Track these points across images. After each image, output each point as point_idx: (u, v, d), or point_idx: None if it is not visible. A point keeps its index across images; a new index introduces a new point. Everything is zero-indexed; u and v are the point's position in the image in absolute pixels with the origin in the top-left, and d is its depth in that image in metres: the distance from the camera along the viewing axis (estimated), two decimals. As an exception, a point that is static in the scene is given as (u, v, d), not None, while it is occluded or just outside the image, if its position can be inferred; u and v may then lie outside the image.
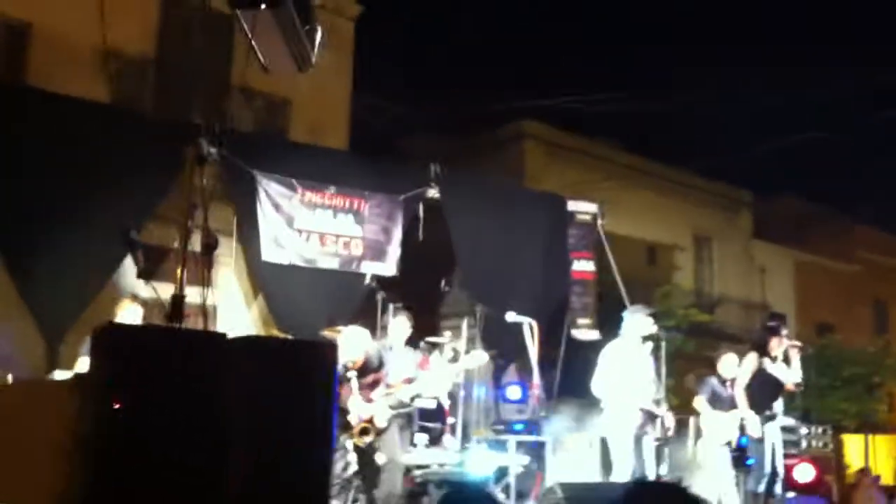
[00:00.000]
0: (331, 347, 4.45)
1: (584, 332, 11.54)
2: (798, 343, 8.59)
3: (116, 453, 3.52)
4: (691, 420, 12.42)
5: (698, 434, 8.55)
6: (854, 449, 13.18)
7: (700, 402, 8.58)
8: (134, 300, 8.21)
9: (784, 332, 8.55)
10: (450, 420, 8.75)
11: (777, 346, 8.34)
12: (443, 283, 11.83)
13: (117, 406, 3.53)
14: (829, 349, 19.65)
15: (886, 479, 12.55)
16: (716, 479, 8.50)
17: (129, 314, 7.89)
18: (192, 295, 4.81)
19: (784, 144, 16.90)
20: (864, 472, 10.51)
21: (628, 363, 7.62)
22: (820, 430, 10.12)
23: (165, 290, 6.49)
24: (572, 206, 11.97)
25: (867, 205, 30.28)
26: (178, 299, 4.34)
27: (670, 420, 7.79)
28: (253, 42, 5.49)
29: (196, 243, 4.92)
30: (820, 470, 10.66)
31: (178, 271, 4.53)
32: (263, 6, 5.10)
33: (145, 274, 5.90)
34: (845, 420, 15.09)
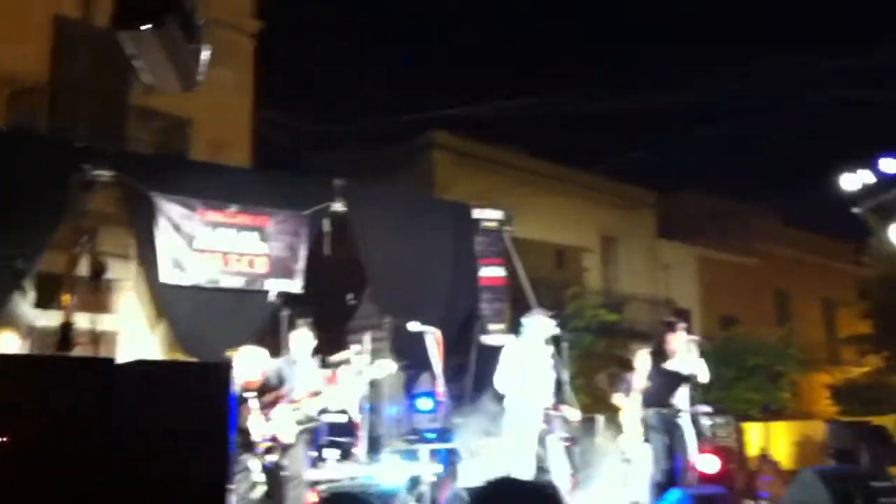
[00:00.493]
0: (224, 368, 4.46)
1: (497, 337, 11.67)
2: (696, 338, 8.84)
3: (7, 487, 3.48)
4: (599, 418, 12.74)
5: (620, 430, 8.72)
6: (757, 437, 13.64)
7: (619, 398, 8.74)
8: (11, 329, 7.97)
9: (681, 327, 8.79)
10: (360, 433, 8.76)
11: (675, 341, 8.57)
12: (350, 296, 11.85)
13: (4, 439, 3.49)
14: (733, 341, 20.26)
15: (786, 464, 13.02)
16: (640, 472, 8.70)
17: (4, 344, 7.63)
18: (84, 321, 4.77)
19: (683, 143, 17.37)
20: (765, 458, 10.88)
21: (529, 365, 7.75)
22: (723, 419, 10.43)
23: (56, 317, 6.38)
24: (478, 213, 12.10)
25: (764, 198, 31.42)
26: (66, 327, 4.32)
27: (574, 415, 7.91)
28: (138, 62, 5.46)
29: (84, 269, 4.89)
30: (724, 460, 11.02)
31: (65, 299, 4.50)
32: (146, 26, 5.08)
33: (42, 302, 5.81)
34: (751, 409, 15.57)
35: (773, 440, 11.42)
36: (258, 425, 6.90)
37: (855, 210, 11.11)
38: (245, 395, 6.83)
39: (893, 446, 9.89)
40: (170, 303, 9.50)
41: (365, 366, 8.17)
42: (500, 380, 7.76)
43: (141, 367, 4.09)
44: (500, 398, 8.84)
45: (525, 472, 7.43)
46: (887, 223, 10.33)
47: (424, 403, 10.06)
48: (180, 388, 3.99)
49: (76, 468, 3.58)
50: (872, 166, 10.76)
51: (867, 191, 10.81)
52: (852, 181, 10.70)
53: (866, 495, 7.54)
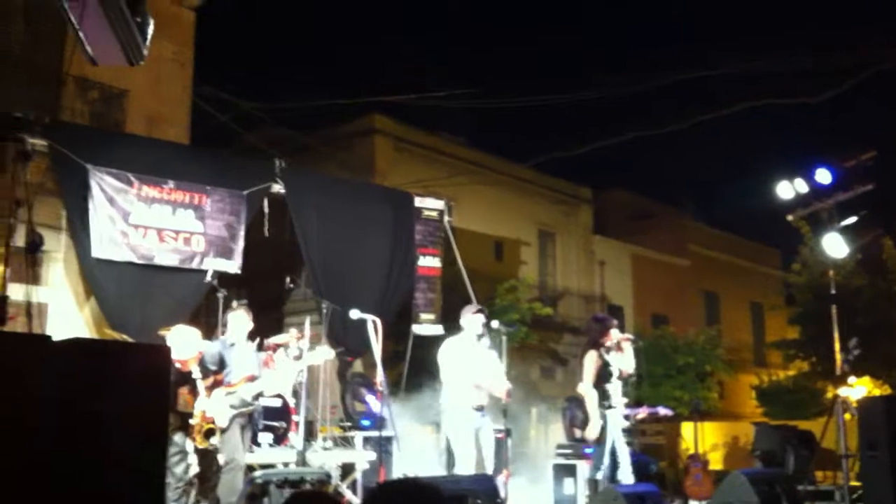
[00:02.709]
0: (163, 350, 4.33)
1: (427, 327, 11.67)
2: (630, 336, 8.91)
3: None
4: (533, 411, 12.82)
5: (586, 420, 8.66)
6: (687, 436, 13.86)
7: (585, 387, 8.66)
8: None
9: (614, 324, 8.87)
10: (295, 418, 8.66)
11: (608, 338, 8.64)
12: (288, 280, 11.70)
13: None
14: (663, 339, 20.57)
15: (715, 464, 13.27)
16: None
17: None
18: (16, 292, 4.59)
19: (617, 141, 17.49)
20: (694, 457, 11.05)
21: (464, 362, 7.74)
22: (644, 413, 10.57)
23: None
24: (419, 202, 12.07)
25: (691, 200, 31.98)
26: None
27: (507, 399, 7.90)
28: (80, 34, 5.24)
29: (21, 240, 4.70)
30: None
31: (0, 270, 4.32)
32: (89, -4, 4.87)
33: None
34: (679, 408, 15.83)
35: (701, 440, 11.60)
36: (202, 407, 6.76)
37: (789, 218, 11.31)
38: (193, 376, 6.69)
39: (818, 450, 10.12)
40: (100, 278, 9.25)
41: (304, 350, 8.05)
42: (446, 374, 7.74)
43: (78, 346, 3.94)
44: (433, 388, 8.80)
45: (464, 464, 7.40)
46: (821, 233, 10.54)
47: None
48: (119, 369, 3.86)
49: (6, 449, 3.43)
50: (807, 176, 10.95)
51: (801, 200, 10.99)
52: (787, 189, 10.88)
53: (792, 498, 7.71)
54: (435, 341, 10.54)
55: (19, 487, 3.42)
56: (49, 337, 3.80)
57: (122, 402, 3.78)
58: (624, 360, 8.62)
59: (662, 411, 10.70)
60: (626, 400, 8.70)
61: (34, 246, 4.68)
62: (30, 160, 4.77)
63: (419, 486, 5.45)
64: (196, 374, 6.80)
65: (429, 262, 11.92)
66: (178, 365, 6.56)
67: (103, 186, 9.19)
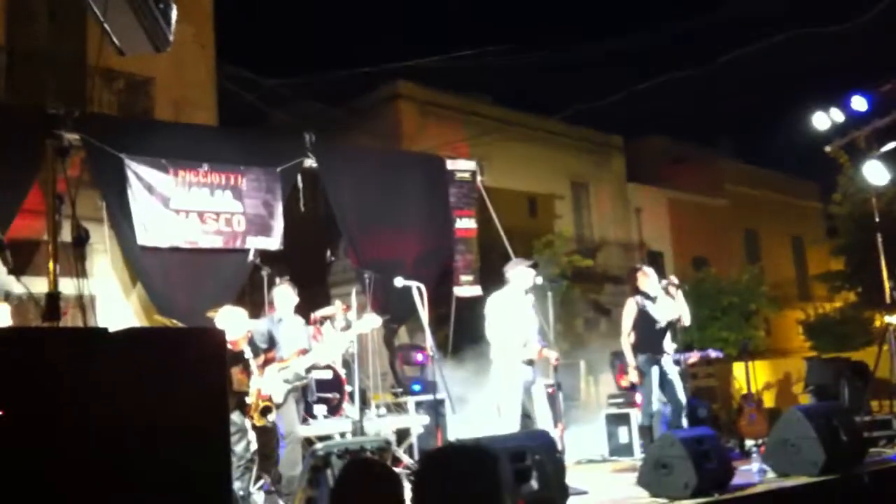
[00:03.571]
0: (218, 332, 4.39)
1: (467, 288, 11.70)
2: (675, 280, 8.86)
3: (4, 461, 3.40)
4: (581, 364, 12.84)
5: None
6: (738, 376, 13.83)
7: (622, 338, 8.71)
8: (6, 300, 7.88)
9: (646, 268, 8.85)
10: (347, 388, 8.76)
11: (647, 284, 8.62)
12: (329, 252, 11.77)
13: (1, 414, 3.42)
14: (705, 282, 20.44)
15: (768, 403, 13.23)
16: None
17: (-4, 314, 7.57)
18: (67, 287, 4.66)
19: (647, 86, 17.28)
20: (746, 397, 11.03)
21: (513, 315, 7.73)
22: (696, 358, 10.55)
23: (37, 285, 6.27)
24: (451, 164, 12.05)
25: (728, 139, 31.55)
26: (53, 297, 4.21)
27: (554, 357, 7.91)
28: (106, 26, 5.27)
29: (66, 235, 4.76)
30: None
31: (50, 267, 4.39)
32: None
33: (16, 271, 5.67)
34: (726, 348, 15.76)
35: (752, 379, 11.57)
36: (257, 385, 6.87)
37: (827, 149, 11.14)
38: (245, 355, 6.79)
39: (872, 381, 10.05)
40: (145, 266, 9.39)
41: (351, 321, 8.12)
42: (491, 331, 7.73)
43: (135, 335, 4.00)
44: (479, 349, 8.83)
45: (512, 421, 7.43)
46: (860, 161, 10.37)
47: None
48: (177, 355, 3.92)
49: (75, 444, 3.51)
50: (843, 104, 10.76)
51: (838, 129, 10.82)
52: (823, 120, 10.70)
53: (850, 430, 7.67)
54: (476, 302, 10.59)
55: (93, 478, 3.50)
56: (106, 329, 3.86)
57: (183, 386, 3.83)
58: (674, 306, 8.59)
59: (713, 354, 10.67)
60: (674, 345, 8.69)
61: (81, 240, 4.74)
62: (67, 155, 4.83)
63: (474, 447, 5.55)
64: (248, 353, 6.89)
65: (465, 223, 11.93)
66: (229, 346, 6.64)
67: (140, 175, 9.29)
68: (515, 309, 7.78)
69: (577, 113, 20.69)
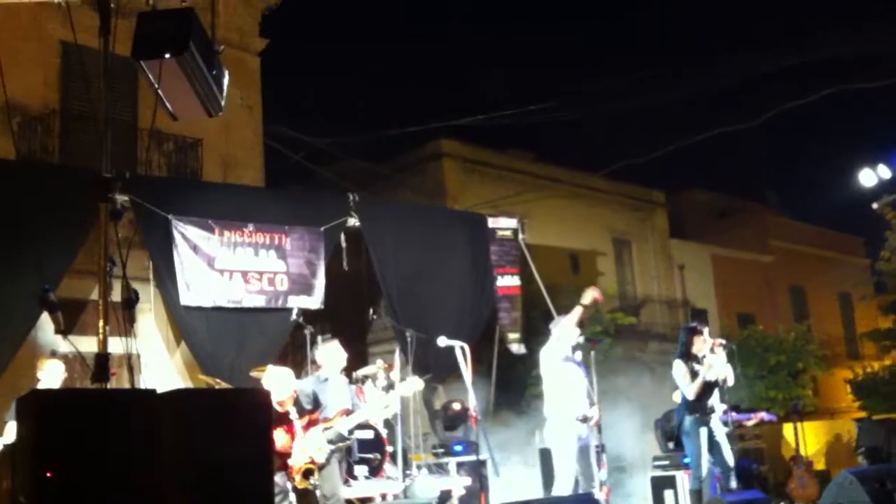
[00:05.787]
0: (262, 393, 4.43)
1: (514, 346, 11.67)
2: (722, 340, 8.75)
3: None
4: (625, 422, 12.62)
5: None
6: (787, 437, 13.54)
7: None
8: (54, 356, 8.03)
9: (705, 329, 8.71)
10: (388, 448, 8.72)
11: (700, 345, 8.50)
12: (371, 311, 11.82)
13: (49, 475, 3.46)
14: (751, 339, 20.13)
15: (818, 465, 12.92)
16: None
17: (50, 372, 7.73)
18: (114, 347, 4.73)
19: (689, 141, 17.25)
20: (796, 459, 10.79)
21: (566, 370, 7.69)
22: (753, 422, 10.38)
23: (85, 343, 6.38)
24: (493, 222, 12.10)
25: (775, 194, 31.27)
26: (102, 358, 4.27)
27: (596, 416, 7.83)
28: (159, 92, 5.42)
29: (114, 295, 4.84)
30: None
31: (101, 328, 4.45)
32: (167, 55, 5.04)
33: (65, 332, 5.78)
34: (773, 408, 15.46)
35: (801, 440, 11.32)
36: (298, 446, 6.87)
37: (874, 205, 11.04)
38: (290, 416, 6.82)
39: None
40: (190, 325, 9.50)
41: (396, 381, 8.12)
42: (548, 385, 7.69)
43: (182, 397, 4.06)
44: (524, 411, 8.76)
45: (564, 479, 7.34)
46: (908, 218, 10.26)
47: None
48: (221, 416, 3.96)
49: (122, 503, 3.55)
50: (890, 161, 10.69)
51: (885, 185, 10.74)
52: (870, 177, 10.63)
53: (903, 494, 7.46)
54: (518, 360, 10.55)
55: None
56: (153, 390, 3.92)
57: (228, 447, 3.87)
58: (720, 366, 8.47)
59: (767, 418, 10.49)
60: (724, 406, 8.55)
61: (131, 302, 4.82)
62: (120, 218, 4.94)
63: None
64: (293, 413, 6.91)
65: (507, 281, 11.93)
66: (276, 406, 6.68)
67: (186, 235, 9.45)
68: (568, 363, 7.76)
69: (619, 169, 20.70)
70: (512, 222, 12.29)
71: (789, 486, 10.64)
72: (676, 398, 8.39)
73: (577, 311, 7.99)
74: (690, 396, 8.21)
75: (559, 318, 8.31)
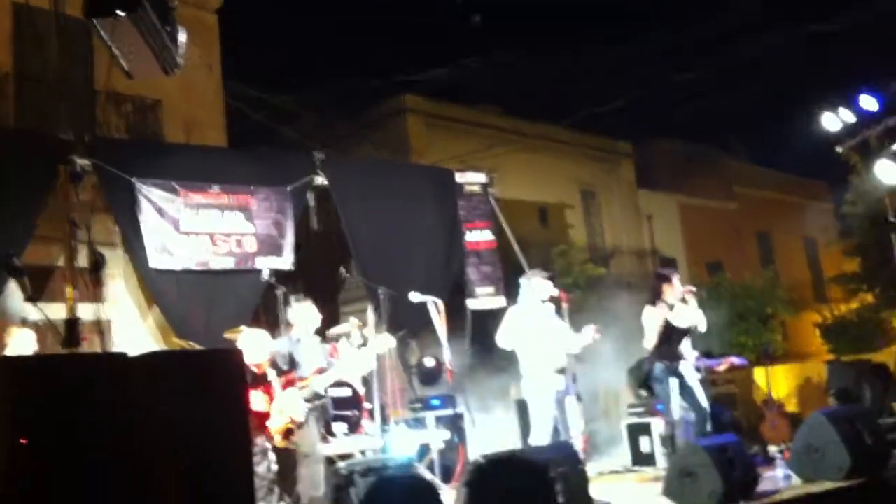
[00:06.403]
0: (235, 353, 4.37)
1: (484, 300, 11.62)
2: (692, 287, 8.77)
3: (29, 489, 3.39)
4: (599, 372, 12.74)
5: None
6: (759, 381, 13.72)
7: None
8: (24, 325, 7.88)
9: (675, 277, 8.73)
10: (366, 405, 8.71)
11: (670, 293, 8.51)
12: (342, 270, 11.72)
13: (24, 441, 3.40)
14: (720, 287, 20.32)
15: (790, 407, 13.13)
16: None
17: (20, 341, 7.58)
18: (84, 312, 4.65)
19: (653, 91, 17.25)
20: (768, 403, 10.94)
21: (534, 327, 7.69)
22: (723, 367, 10.47)
23: (54, 311, 6.27)
24: (460, 177, 12.01)
25: (737, 141, 31.38)
26: (72, 323, 4.19)
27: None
28: (114, 50, 5.27)
29: (82, 261, 4.76)
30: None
31: (68, 293, 4.37)
32: (120, 13, 4.89)
33: (33, 298, 5.68)
34: (745, 354, 15.64)
35: (773, 384, 11.48)
36: (277, 406, 6.84)
37: (838, 149, 11.08)
38: (268, 377, 6.77)
39: (893, 382, 9.97)
40: (160, 288, 9.37)
41: (368, 339, 8.08)
42: (507, 341, 7.69)
43: (154, 360, 3.98)
44: (500, 364, 8.77)
45: (540, 431, 7.39)
46: (871, 161, 10.31)
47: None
48: (196, 377, 3.90)
49: (97, 470, 3.50)
50: (852, 104, 10.70)
51: (849, 129, 10.76)
52: (833, 121, 10.64)
53: (874, 433, 7.59)
54: (493, 315, 10.52)
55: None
56: (125, 353, 3.85)
57: (204, 409, 3.82)
58: (691, 313, 8.51)
59: (737, 362, 10.58)
60: (696, 353, 8.60)
61: (98, 265, 4.73)
62: (80, 180, 4.83)
63: (525, 459, 5.51)
64: (271, 375, 6.87)
65: (477, 235, 11.86)
66: (253, 369, 6.63)
67: (151, 198, 9.28)
68: (535, 322, 7.75)
69: (584, 119, 20.66)
70: (480, 177, 12.20)
71: (762, 428, 10.80)
72: (647, 345, 8.43)
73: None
74: (647, 345, 8.26)
75: (530, 273, 8.31)
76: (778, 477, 7.49)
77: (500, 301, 11.39)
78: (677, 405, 8.20)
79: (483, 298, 11.66)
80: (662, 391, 8.29)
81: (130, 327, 10.19)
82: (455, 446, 8.83)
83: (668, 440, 8.26)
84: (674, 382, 8.23)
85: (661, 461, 9.51)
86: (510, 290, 11.03)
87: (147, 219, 9.22)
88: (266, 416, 6.81)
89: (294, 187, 10.27)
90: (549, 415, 7.49)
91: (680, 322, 8.45)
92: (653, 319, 8.32)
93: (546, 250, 17.96)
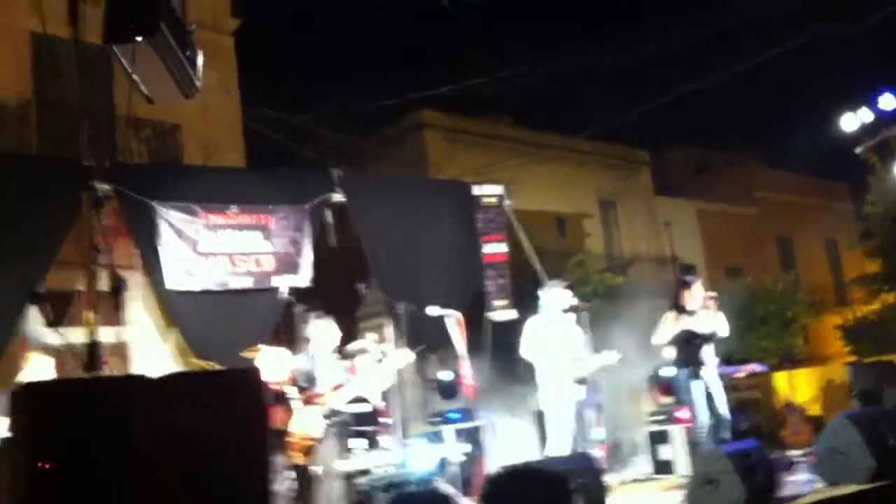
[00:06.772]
0: (252, 372, 4.44)
1: (501, 313, 11.65)
2: (713, 294, 8.78)
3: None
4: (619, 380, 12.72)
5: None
6: (780, 386, 13.65)
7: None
8: (42, 351, 7.96)
9: (696, 284, 8.72)
10: (387, 420, 8.74)
11: (690, 299, 8.52)
12: (362, 286, 11.79)
13: (47, 466, 3.48)
14: (741, 291, 20.23)
15: (813, 411, 13.05)
16: None
17: (38, 366, 7.63)
18: (104, 336, 4.74)
19: (670, 98, 17.23)
20: (789, 407, 10.89)
21: (554, 337, 7.73)
22: (743, 373, 10.45)
23: (74, 334, 6.36)
24: (477, 190, 12.05)
25: (756, 145, 31.25)
26: (93, 347, 4.28)
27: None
28: (134, 76, 5.38)
29: (102, 285, 4.85)
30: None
31: (90, 318, 4.46)
32: (139, 38, 4.99)
33: (53, 323, 5.78)
34: (766, 358, 15.57)
35: (796, 388, 11.42)
36: (297, 424, 6.90)
37: (857, 150, 11.05)
38: (287, 395, 6.82)
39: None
40: (179, 309, 9.47)
41: (388, 354, 8.13)
42: (530, 352, 7.73)
43: (173, 380, 4.06)
44: (519, 375, 8.79)
45: (558, 442, 7.41)
46: (890, 161, 10.28)
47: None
48: (215, 397, 3.97)
49: (121, 491, 3.56)
50: (871, 104, 10.67)
51: (867, 129, 10.73)
52: (851, 121, 10.62)
53: (897, 434, 7.54)
54: (511, 326, 10.55)
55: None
56: (144, 376, 3.92)
57: (224, 427, 3.88)
58: (713, 320, 8.52)
59: (758, 369, 10.54)
60: (717, 359, 8.59)
61: (118, 289, 4.82)
62: (102, 206, 4.93)
63: (544, 470, 5.54)
64: (291, 393, 6.92)
65: (494, 248, 11.90)
66: (274, 387, 6.69)
67: (170, 220, 9.40)
68: (555, 332, 7.79)
69: (602, 131, 20.67)
70: (497, 189, 12.24)
71: (784, 433, 10.74)
72: (666, 353, 8.44)
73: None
74: (655, 341, 8.29)
75: (550, 284, 8.35)
76: (800, 482, 7.45)
77: (512, 314, 11.43)
78: (704, 410, 8.18)
79: (500, 311, 11.70)
80: (687, 398, 8.29)
81: (151, 349, 10.30)
82: (475, 458, 8.85)
83: (695, 447, 8.23)
84: (697, 388, 8.22)
85: (681, 468, 9.49)
86: (520, 302, 11.07)
87: (166, 241, 9.33)
88: (285, 433, 6.87)
89: (312, 205, 10.36)
90: (568, 425, 7.51)
91: (701, 328, 8.47)
92: (667, 319, 8.37)
93: (564, 260, 17.96)
